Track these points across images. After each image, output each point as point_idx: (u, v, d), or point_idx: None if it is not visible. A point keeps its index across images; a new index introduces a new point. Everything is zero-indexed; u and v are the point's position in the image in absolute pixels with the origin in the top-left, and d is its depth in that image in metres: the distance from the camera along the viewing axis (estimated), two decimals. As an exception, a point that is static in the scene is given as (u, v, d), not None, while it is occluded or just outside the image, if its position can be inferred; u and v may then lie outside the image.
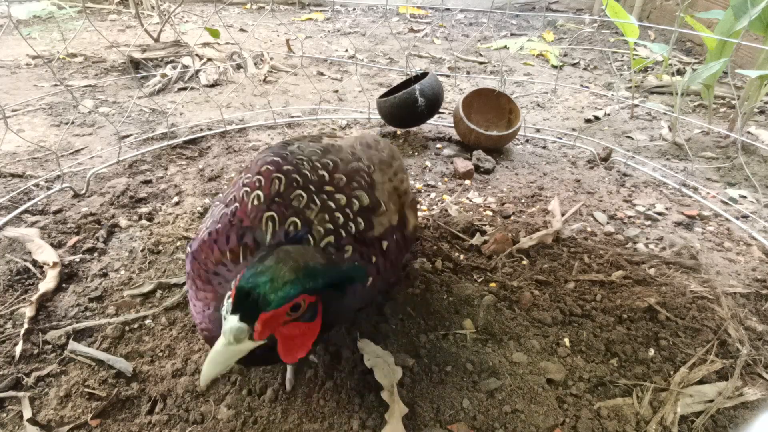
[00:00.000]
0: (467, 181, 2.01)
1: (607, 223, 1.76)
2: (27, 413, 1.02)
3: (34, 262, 1.44)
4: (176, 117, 2.53)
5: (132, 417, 1.03)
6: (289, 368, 1.11)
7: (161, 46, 3.29)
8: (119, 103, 2.67)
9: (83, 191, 1.81)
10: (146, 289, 1.35)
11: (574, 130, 2.56)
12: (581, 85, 3.24)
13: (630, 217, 1.80)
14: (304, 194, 0.96)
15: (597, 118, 2.74)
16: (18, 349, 1.15)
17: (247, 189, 0.97)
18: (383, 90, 2.77)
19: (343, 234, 0.93)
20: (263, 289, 0.68)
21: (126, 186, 1.85)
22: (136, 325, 1.25)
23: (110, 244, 1.56)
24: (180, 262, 1.46)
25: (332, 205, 0.96)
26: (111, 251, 1.52)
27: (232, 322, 0.69)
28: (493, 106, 2.41)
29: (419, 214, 1.75)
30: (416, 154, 2.25)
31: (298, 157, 1.03)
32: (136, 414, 1.04)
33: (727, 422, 1.04)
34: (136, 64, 3.09)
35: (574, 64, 3.68)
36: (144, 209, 1.73)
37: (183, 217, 1.68)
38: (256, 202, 0.94)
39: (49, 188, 1.84)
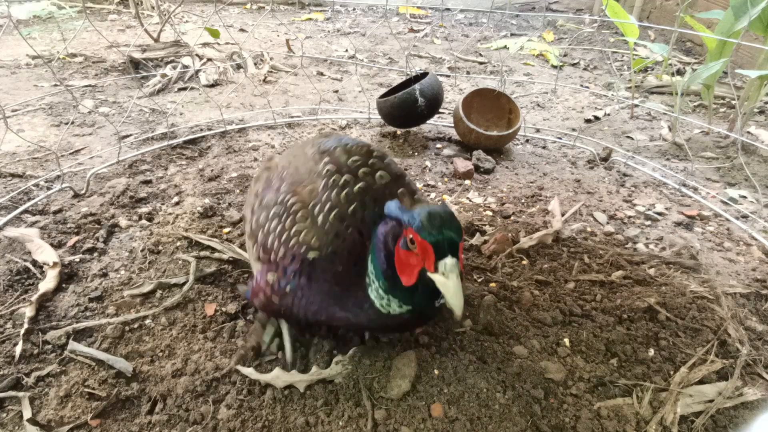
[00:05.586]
0: (467, 181, 2.01)
1: (607, 223, 1.76)
2: (27, 413, 1.02)
3: (34, 262, 1.44)
4: (176, 117, 2.53)
5: (132, 417, 1.03)
6: (288, 349, 1.16)
7: (161, 46, 3.29)
8: (119, 103, 2.67)
9: (83, 191, 1.81)
10: (146, 289, 1.35)
11: (574, 130, 2.56)
12: (581, 85, 3.24)
13: (630, 217, 1.80)
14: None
15: (597, 118, 2.74)
16: (18, 349, 1.15)
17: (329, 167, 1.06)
18: (383, 90, 2.77)
19: None
20: (458, 232, 0.84)
21: (126, 186, 1.85)
22: (136, 325, 1.25)
23: (110, 244, 1.56)
24: (180, 261, 1.46)
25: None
26: (111, 251, 1.52)
27: (452, 261, 0.82)
28: (493, 106, 2.41)
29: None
30: (416, 154, 2.25)
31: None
32: (136, 414, 1.04)
33: (727, 422, 1.04)
34: (136, 64, 3.09)
35: (574, 64, 3.68)
36: (144, 209, 1.73)
37: (183, 217, 1.68)
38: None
39: (49, 188, 1.84)
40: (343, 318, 1.01)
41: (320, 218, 1.00)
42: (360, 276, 0.97)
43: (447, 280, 0.82)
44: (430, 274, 0.84)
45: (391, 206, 0.92)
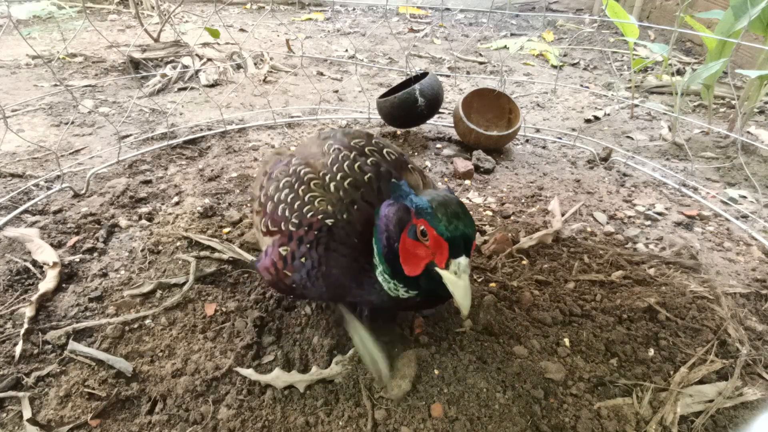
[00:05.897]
0: (467, 181, 2.01)
1: (607, 223, 1.76)
2: (27, 413, 1.02)
3: (34, 262, 1.44)
4: (176, 117, 2.53)
5: (132, 417, 1.03)
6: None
7: (161, 46, 3.29)
8: (119, 103, 2.67)
9: (83, 191, 1.81)
10: (146, 289, 1.35)
11: (574, 130, 2.56)
12: (581, 85, 3.24)
13: (630, 217, 1.80)
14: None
15: (597, 118, 2.74)
16: (18, 349, 1.15)
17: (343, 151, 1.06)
18: (383, 90, 2.77)
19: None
20: (472, 228, 0.82)
21: (126, 186, 1.85)
22: (136, 325, 1.25)
23: (110, 244, 1.56)
24: (180, 261, 1.46)
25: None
26: (111, 251, 1.52)
27: (466, 261, 0.80)
28: (493, 106, 2.41)
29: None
30: (416, 154, 2.25)
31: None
32: (136, 414, 1.04)
33: (727, 422, 1.04)
34: (136, 64, 3.09)
35: (574, 64, 3.68)
36: (144, 209, 1.73)
37: (183, 217, 1.68)
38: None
39: (49, 188, 1.84)
40: (359, 295, 0.98)
41: (333, 186, 0.99)
42: (371, 254, 0.94)
43: (458, 280, 0.79)
44: (439, 270, 0.81)
45: (403, 187, 0.88)
